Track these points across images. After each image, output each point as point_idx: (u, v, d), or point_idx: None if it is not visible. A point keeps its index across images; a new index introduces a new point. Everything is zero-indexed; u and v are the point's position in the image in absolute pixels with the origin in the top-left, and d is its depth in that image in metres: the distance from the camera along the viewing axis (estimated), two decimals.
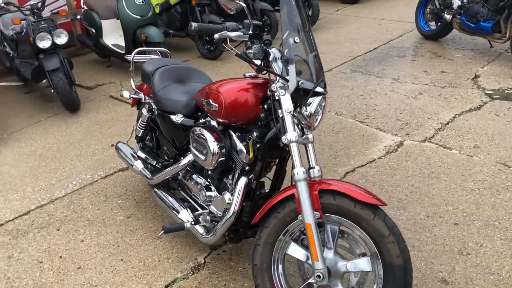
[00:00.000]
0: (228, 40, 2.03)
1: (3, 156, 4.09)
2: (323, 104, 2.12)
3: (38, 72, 4.76)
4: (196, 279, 2.53)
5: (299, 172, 1.98)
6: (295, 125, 2.08)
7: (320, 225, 2.12)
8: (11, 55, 5.25)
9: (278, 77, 2.02)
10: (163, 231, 2.34)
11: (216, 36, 1.95)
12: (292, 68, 2.02)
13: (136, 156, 3.08)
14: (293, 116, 2.06)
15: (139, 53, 3.22)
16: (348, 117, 4.31)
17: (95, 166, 3.78)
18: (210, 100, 2.29)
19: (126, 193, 3.37)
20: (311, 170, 2.15)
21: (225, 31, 2.00)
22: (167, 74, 2.88)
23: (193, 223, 2.41)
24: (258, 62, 2.12)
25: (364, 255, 2.05)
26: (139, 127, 3.06)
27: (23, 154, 4.10)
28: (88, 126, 4.55)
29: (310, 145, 2.19)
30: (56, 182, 3.60)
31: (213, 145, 2.31)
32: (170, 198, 2.72)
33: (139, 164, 3.01)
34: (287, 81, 2.02)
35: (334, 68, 5.58)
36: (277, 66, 2.09)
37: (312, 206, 1.97)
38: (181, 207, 2.63)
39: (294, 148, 2.02)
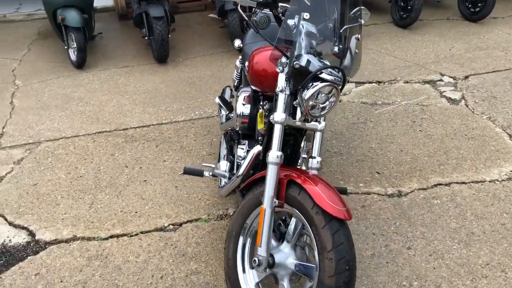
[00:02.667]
0: (239, 5, 1.99)
1: (167, 76, 4.81)
2: (331, 94, 1.91)
3: (223, 9, 5.28)
4: (212, 226, 2.70)
5: (272, 155, 1.90)
6: (298, 108, 1.98)
7: (290, 217, 2.03)
8: None
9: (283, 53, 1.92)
10: (183, 171, 2.54)
11: None
12: (294, 46, 1.88)
13: None
14: (295, 98, 1.95)
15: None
16: (499, 126, 3.59)
17: None
18: (246, 63, 2.31)
19: None
20: (310, 160, 2.04)
21: None
22: (263, 31, 2.92)
23: (211, 174, 2.54)
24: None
25: None
26: (234, 77, 3.23)
27: (180, 78, 4.74)
28: None
29: (318, 134, 2.05)
30: (185, 108, 4.11)
31: (239, 107, 2.35)
32: (224, 147, 2.88)
33: (223, 110, 3.21)
34: (288, 58, 1.90)
35: None
36: (298, 42, 1.97)
37: (274, 192, 1.89)
38: (224, 158, 2.77)
39: (276, 129, 1.93)
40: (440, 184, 2.97)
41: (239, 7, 2.00)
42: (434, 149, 3.33)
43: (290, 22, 1.98)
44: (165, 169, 3.25)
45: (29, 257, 2.54)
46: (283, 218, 2.09)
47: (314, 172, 2.03)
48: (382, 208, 2.78)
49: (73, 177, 3.21)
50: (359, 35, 2.06)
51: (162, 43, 4.81)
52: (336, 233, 1.74)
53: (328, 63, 1.97)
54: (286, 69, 1.91)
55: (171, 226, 2.72)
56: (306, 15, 1.90)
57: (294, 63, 1.85)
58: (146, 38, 5.05)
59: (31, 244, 2.63)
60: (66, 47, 5.07)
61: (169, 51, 5.07)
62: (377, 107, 3.98)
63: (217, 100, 3.17)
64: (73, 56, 5.02)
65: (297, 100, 1.96)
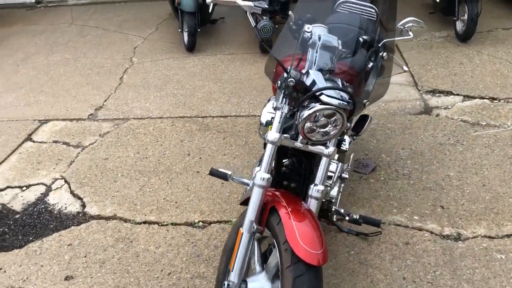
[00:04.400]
0: (248, 11, 1.83)
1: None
2: (333, 119, 1.68)
3: None
4: None
5: (258, 176, 1.76)
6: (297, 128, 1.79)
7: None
8: None
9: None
10: (209, 172, 2.49)
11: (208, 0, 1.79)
12: (292, 61, 1.69)
13: None
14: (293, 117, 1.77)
15: None
16: None
17: None
18: (273, 70, 2.15)
19: None
20: (312, 186, 1.84)
21: None
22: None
23: (234, 178, 2.44)
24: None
25: None
26: None
27: None
28: None
29: (323, 160, 1.84)
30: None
31: (263, 115, 2.21)
32: None
33: None
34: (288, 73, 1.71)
35: None
36: (310, 54, 1.77)
37: (255, 216, 1.76)
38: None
39: (267, 149, 1.77)
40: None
41: (248, 14, 1.86)
42: None
43: (306, 33, 1.78)
44: (221, 163, 3.25)
45: (72, 227, 2.77)
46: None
47: (313, 201, 1.83)
48: (428, 250, 2.40)
49: (139, 157, 3.39)
50: (385, 54, 1.76)
51: None
52: (298, 278, 1.55)
53: (339, 83, 1.74)
54: (284, 85, 1.72)
55: (200, 223, 2.72)
56: (308, 28, 1.68)
57: (289, 80, 1.67)
58: (253, 27, 5.04)
59: (79, 215, 2.86)
60: (180, 30, 5.32)
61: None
62: (477, 128, 3.43)
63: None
64: (186, 39, 5.25)
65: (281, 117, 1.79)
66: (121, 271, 2.42)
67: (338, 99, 1.66)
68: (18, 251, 2.62)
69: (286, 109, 1.76)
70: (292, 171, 2.11)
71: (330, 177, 2.28)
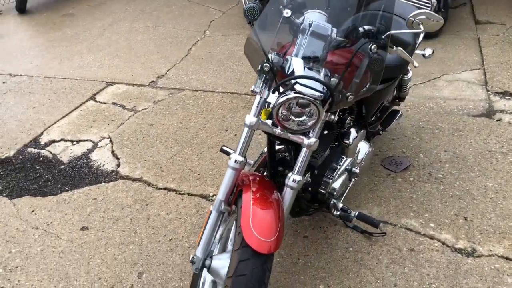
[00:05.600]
0: None
1: None
2: (308, 110, 1.63)
3: None
4: None
5: (232, 158, 1.78)
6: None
7: None
8: None
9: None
10: (220, 149, 2.54)
11: None
12: (267, 44, 1.66)
13: None
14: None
15: None
16: None
17: None
18: None
19: None
20: (290, 175, 1.82)
21: None
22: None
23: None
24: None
25: None
26: None
27: None
28: None
29: (303, 150, 1.81)
30: None
31: (271, 98, 2.20)
32: None
33: None
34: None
35: None
36: (299, 40, 1.73)
37: (225, 197, 1.79)
38: None
39: (243, 132, 1.78)
40: None
41: None
42: None
43: (300, 19, 1.74)
44: (253, 142, 3.27)
45: (102, 183, 2.99)
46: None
47: (288, 190, 1.81)
48: (432, 260, 2.26)
49: (181, 127, 3.54)
50: (374, 46, 1.66)
51: None
52: (243, 262, 1.56)
53: (322, 72, 1.68)
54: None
55: (214, 197, 2.79)
56: (287, 13, 1.63)
57: (264, 65, 1.65)
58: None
59: (112, 174, 3.08)
60: None
61: None
62: None
63: None
64: None
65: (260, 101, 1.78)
66: (129, 230, 2.59)
67: (313, 89, 1.60)
68: (52, 197, 2.90)
69: (265, 93, 1.74)
70: (292, 158, 2.09)
71: (334, 170, 2.22)
